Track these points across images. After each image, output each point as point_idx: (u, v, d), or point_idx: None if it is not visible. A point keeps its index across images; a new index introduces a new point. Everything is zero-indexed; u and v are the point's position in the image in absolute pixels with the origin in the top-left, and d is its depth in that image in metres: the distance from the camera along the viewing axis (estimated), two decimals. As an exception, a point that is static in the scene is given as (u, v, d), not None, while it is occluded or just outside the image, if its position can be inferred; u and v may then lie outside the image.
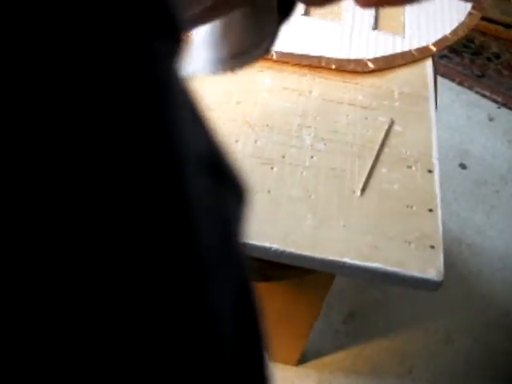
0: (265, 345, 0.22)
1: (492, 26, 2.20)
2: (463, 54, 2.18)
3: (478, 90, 2.08)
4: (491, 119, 2.01)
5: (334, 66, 0.93)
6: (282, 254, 0.70)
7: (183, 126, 0.18)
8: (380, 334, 1.45)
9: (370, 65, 0.94)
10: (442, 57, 2.13)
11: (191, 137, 0.19)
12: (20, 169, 0.13)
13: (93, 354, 0.15)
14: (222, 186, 0.21)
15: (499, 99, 2.06)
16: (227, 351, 0.19)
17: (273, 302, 1.06)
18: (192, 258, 0.17)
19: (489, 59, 2.17)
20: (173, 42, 0.18)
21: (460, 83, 2.09)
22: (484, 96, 2.07)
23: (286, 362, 1.35)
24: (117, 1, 0.15)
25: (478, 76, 2.12)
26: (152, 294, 0.16)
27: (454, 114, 2.00)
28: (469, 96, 2.07)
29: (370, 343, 1.44)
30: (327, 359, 1.40)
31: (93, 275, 0.14)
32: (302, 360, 1.37)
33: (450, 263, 1.57)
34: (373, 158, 0.81)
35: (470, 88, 2.08)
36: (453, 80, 2.09)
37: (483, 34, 2.21)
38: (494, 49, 2.20)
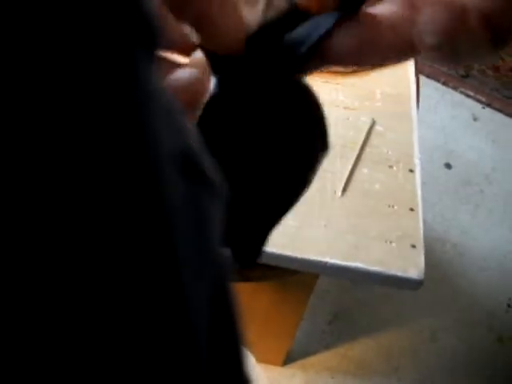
0: (243, 344, 0.22)
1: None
2: (448, 54, 2.19)
3: (463, 90, 2.09)
4: (476, 119, 2.03)
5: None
6: (264, 254, 0.70)
7: (159, 126, 0.18)
8: (365, 334, 1.46)
9: (352, 65, 0.94)
10: (427, 57, 2.14)
11: (167, 136, 0.19)
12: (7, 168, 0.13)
13: (73, 354, 0.15)
14: (199, 185, 0.21)
15: (483, 99, 2.08)
16: (203, 350, 0.19)
17: (258, 303, 1.06)
18: (168, 258, 0.17)
19: (473, 60, 2.18)
20: (150, 47, 0.18)
21: (445, 83, 2.10)
22: (468, 96, 2.08)
23: (271, 363, 1.35)
24: (96, 10, 0.15)
25: (463, 76, 2.13)
26: (128, 294, 0.16)
27: (438, 114, 2.01)
28: (453, 96, 2.08)
29: (356, 343, 1.44)
30: (313, 359, 1.40)
31: (71, 276, 0.15)
32: (288, 360, 1.37)
33: (435, 263, 1.58)
34: (354, 158, 0.82)
35: (455, 88, 2.10)
36: (438, 80, 2.10)
37: (467, 34, 2.22)
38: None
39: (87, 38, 0.15)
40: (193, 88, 0.26)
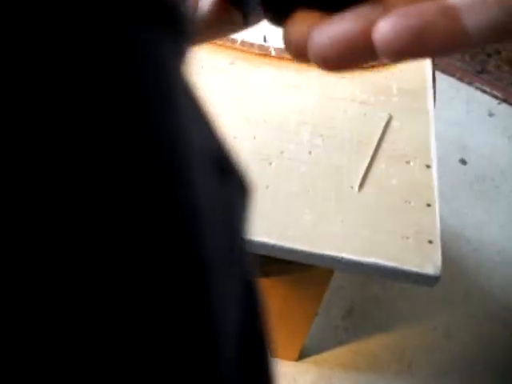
0: (270, 344, 0.22)
1: (492, 22, 2.19)
2: (463, 49, 2.17)
3: (478, 85, 2.08)
4: (491, 115, 2.01)
5: (332, 62, 0.93)
6: (280, 249, 0.70)
7: (189, 123, 0.18)
8: (379, 330, 1.45)
9: (369, 60, 0.94)
10: (442, 52, 2.13)
11: (198, 135, 0.18)
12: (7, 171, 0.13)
13: (92, 354, 0.15)
14: (228, 183, 0.21)
15: (499, 95, 2.06)
16: (232, 351, 0.19)
17: (272, 298, 1.06)
18: (197, 257, 0.17)
19: (489, 55, 2.16)
20: (176, 38, 0.18)
21: (460, 79, 2.09)
22: (484, 91, 2.07)
23: (286, 358, 1.36)
24: None
25: (478, 71, 2.11)
26: (157, 295, 0.16)
27: (454, 109, 2.00)
28: (469, 91, 2.06)
29: (370, 339, 1.44)
30: (327, 355, 1.40)
31: (96, 276, 0.14)
32: (302, 356, 1.37)
33: (450, 258, 1.57)
34: (371, 154, 0.81)
35: (470, 83, 2.08)
36: (453, 75, 2.08)
37: (483, 29, 2.20)
38: (494, 44, 2.20)
39: (102, 25, 0.15)
40: None
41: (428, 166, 0.82)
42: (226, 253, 0.19)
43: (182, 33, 0.18)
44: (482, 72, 2.12)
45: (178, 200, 0.16)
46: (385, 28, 0.23)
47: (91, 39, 0.14)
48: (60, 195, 0.14)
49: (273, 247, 0.70)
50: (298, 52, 0.26)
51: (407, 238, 0.74)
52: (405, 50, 0.23)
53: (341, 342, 1.42)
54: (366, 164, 0.80)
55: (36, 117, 0.13)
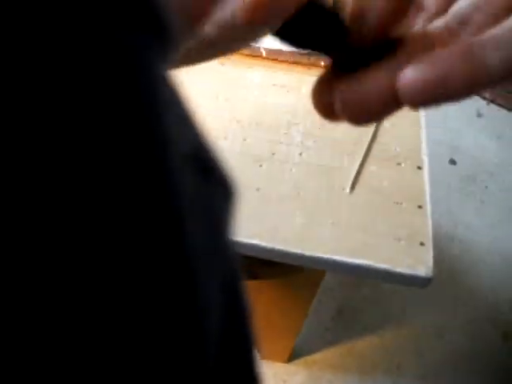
0: (254, 343, 0.22)
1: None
2: (452, 50, 2.18)
3: (467, 86, 2.08)
4: (480, 115, 2.02)
5: (322, 63, 0.92)
6: (272, 251, 0.70)
7: (169, 123, 0.18)
8: (369, 331, 1.45)
9: (360, 61, 0.94)
10: (432, 53, 2.14)
11: (178, 134, 0.18)
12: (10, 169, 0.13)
13: (80, 353, 0.14)
14: (210, 183, 0.21)
15: (487, 95, 2.07)
16: (215, 349, 0.19)
17: (263, 300, 1.06)
18: (180, 257, 0.17)
19: (478, 55, 2.17)
20: (159, 39, 0.18)
21: (449, 79, 2.09)
22: (473, 92, 2.08)
23: (275, 359, 1.35)
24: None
25: (467, 72, 2.12)
26: (139, 293, 0.16)
27: (443, 110, 2.00)
28: (458, 92, 2.07)
29: (359, 340, 1.44)
30: (316, 356, 1.40)
31: (79, 276, 0.14)
32: (292, 357, 1.37)
33: (440, 259, 1.58)
34: (362, 155, 0.81)
35: (459, 84, 2.09)
36: (442, 76, 2.09)
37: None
38: None
39: (91, 28, 0.15)
40: None
41: (419, 168, 0.82)
42: (208, 254, 0.19)
43: (167, 38, 0.18)
44: (471, 73, 2.12)
45: (160, 200, 0.16)
46: (409, 76, 0.23)
47: (79, 41, 0.15)
48: (48, 196, 0.14)
49: (264, 249, 0.70)
50: (326, 111, 0.27)
51: (399, 239, 0.73)
52: (430, 97, 0.23)
53: (330, 343, 1.42)
54: (357, 165, 0.80)
55: (25, 119, 0.14)
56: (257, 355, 0.22)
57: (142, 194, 0.16)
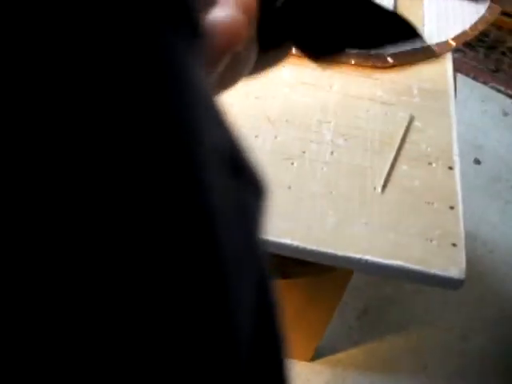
0: (284, 344, 0.21)
1: (508, 20, 2.18)
2: (478, 48, 2.16)
3: (493, 84, 2.06)
4: (506, 114, 2.00)
5: (353, 61, 0.92)
6: (304, 250, 0.70)
7: (203, 123, 0.18)
8: (394, 331, 1.45)
9: (390, 60, 0.93)
10: (457, 51, 2.12)
11: (212, 134, 0.18)
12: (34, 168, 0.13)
13: (109, 353, 0.14)
14: (243, 183, 0.20)
15: (514, 94, 2.05)
16: (247, 350, 0.19)
17: (290, 299, 1.06)
18: (214, 257, 0.17)
19: (503, 53, 2.15)
20: (190, 35, 0.18)
21: (474, 78, 2.07)
22: (498, 91, 2.05)
23: (300, 359, 1.35)
24: None
25: (493, 70, 2.10)
26: (175, 293, 0.16)
27: (468, 108, 1.98)
28: (483, 91, 2.05)
29: (384, 340, 1.43)
30: (341, 355, 1.39)
31: (118, 275, 0.14)
32: (316, 356, 1.37)
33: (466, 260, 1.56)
34: (393, 154, 0.80)
35: (485, 83, 2.07)
36: (467, 75, 2.07)
37: (499, 28, 2.19)
38: (509, 43, 2.18)
39: (116, 21, 0.15)
40: (229, 30, 0.25)
41: (450, 168, 0.81)
42: (240, 253, 0.19)
43: (199, 34, 0.18)
44: (496, 71, 2.10)
45: (194, 200, 0.16)
46: None
47: (120, 36, 0.15)
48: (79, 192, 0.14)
49: (296, 248, 0.69)
50: None
51: (431, 240, 0.73)
52: None
53: (355, 343, 1.42)
54: (388, 165, 0.79)
55: (63, 112, 0.14)
56: (286, 356, 0.22)
57: (177, 195, 0.16)
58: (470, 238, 1.64)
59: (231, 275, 0.18)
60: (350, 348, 1.41)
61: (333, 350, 1.39)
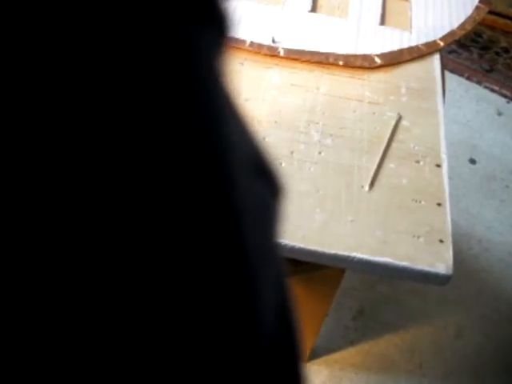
0: (300, 339, 0.22)
1: (501, 20, 2.19)
2: (472, 48, 2.17)
3: (487, 84, 2.07)
4: (500, 114, 2.00)
5: (341, 62, 0.93)
6: (292, 249, 0.70)
7: (231, 126, 0.18)
8: (390, 330, 1.45)
9: (378, 60, 0.94)
10: (451, 52, 2.13)
11: (239, 137, 0.19)
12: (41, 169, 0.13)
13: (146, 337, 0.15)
14: (264, 185, 0.21)
15: (508, 94, 2.05)
16: (270, 344, 0.19)
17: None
18: (239, 254, 0.17)
19: (497, 54, 2.16)
20: (216, 33, 0.18)
21: (469, 78, 2.08)
22: (493, 91, 2.06)
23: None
24: None
25: (487, 71, 2.11)
26: (203, 292, 0.16)
27: (462, 108, 1.99)
28: (477, 91, 2.06)
29: (380, 339, 1.44)
30: (337, 355, 1.40)
31: (150, 274, 0.15)
32: (312, 356, 1.37)
33: (460, 259, 1.57)
34: (381, 153, 0.81)
35: (479, 83, 2.07)
36: (461, 75, 2.08)
37: (492, 28, 2.20)
38: (503, 43, 2.19)
39: (138, 17, 0.14)
40: None
41: (438, 166, 0.82)
42: (261, 251, 0.19)
43: (224, 31, 0.18)
44: (490, 71, 2.11)
45: (224, 199, 0.17)
46: None
47: (150, 35, 0.15)
48: (113, 190, 0.14)
49: (284, 247, 0.70)
50: None
51: (418, 237, 0.73)
52: None
53: (351, 343, 1.42)
54: (376, 164, 0.80)
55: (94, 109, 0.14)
56: (302, 349, 0.22)
57: (209, 194, 0.16)
58: (465, 236, 1.64)
59: (255, 271, 0.18)
60: (346, 348, 1.41)
61: (329, 350, 1.40)
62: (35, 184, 0.13)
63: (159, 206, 0.15)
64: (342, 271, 0.96)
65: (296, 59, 0.92)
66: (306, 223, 0.72)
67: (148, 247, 0.15)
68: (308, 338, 1.25)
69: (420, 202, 0.77)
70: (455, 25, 1.04)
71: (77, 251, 0.14)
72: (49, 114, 0.13)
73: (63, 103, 0.13)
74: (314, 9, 1.03)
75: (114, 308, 0.14)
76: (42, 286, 0.13)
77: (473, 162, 1.84)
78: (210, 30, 0.17)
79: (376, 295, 1.49)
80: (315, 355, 1.38)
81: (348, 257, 0.70)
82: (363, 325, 1.45)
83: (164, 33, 0.15)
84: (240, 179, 0.18)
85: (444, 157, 0.83)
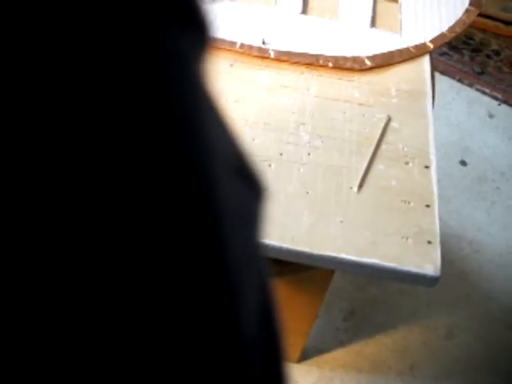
0: (283, 342, 0.22)
1: (492, 23, 2.20)
2: (463, 51, 2.18)
3: (478, 87, 2.08)
4: (491, 116, 2.01)
5: (331, 64, 0.93)
6: (280, 250, 0.71)
7: (211, 127, 0.18)
8: (380, 331, 1.45)
9: (368, 62, 0.94)
10: (442, 54, 2.13)
11: (219, 139, 0.19)
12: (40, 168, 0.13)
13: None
14: (246, 187, 0.21)
15: (499, 96, 2.06)
16: (252, 347, 0.19)
17: (273, 299, 1.06)
18: (220, 257, 0.17)
19: (488, 56, 2.17)
20: (195, 36, 0.18)
21: (460, 80, 2.09)
22: (484, 93, 2.07)
23: (286, 359, 1.35)
24: None
25: (478, 73, 2.12)
26: (182, 296, 0.16)
27: (454, 111, 2.00)
28: (469, 93, 2.07)
29: (371, 340, 1.44)
30: (328, 356, 1.40)
31: (133, 272, 0.15)
32: (303, 357, 1.37)
33: (451, 260, 1.57)
34: (370, 155, 0.82)
35: (470, 85, 2.08)
36: (453, 77, 2.08)
37: (483, 30, 2.21)
38: (494, 46, 2.20)
39: (117, 21, 0.15)
40: None
41: (427, 167, 0.82)
42: (243, 254, 0.19)
43: (203, 35, 0.18)
44: (482, 73, 2.12)
45: (204, 202, 0.17)
46: None
47: (123, 38, 0.15)
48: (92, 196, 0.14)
49: (273, 248, 0.70)
50: None
51: (407, 238, 0.74)
52: None
53: (342, 344, 1.42)
54: (365, 165, 0.80)
55: (64, 112, 0.14)
56: (284, 352, 0.22)
57: (187, 197, 0.16)
58: (456, 238, 1.65)
59: (235, 274, 0.18)
60: (336, 349, 1.41)
61: (320, 351, 1.40)
62: (33, 184, 0.13)
63: (132, 208, 0.15)
64: (332, 272, 0.96)
65: (286, 61, 0.92)
66: (295, 224, 0.73)
67: (124, 252, 0.15)
68: (298, 339, 1.25)
69: (409, 203, 0.77)
70: (445, 27, 1.04)
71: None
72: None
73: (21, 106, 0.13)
74: (304, 11, 1.03)
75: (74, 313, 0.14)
76: (41, 286, 0.14)
77: (464, 163, 1.85)
78: (188, 33, 0.17)
79: (367, 296, 1.50)
80: (306, 356, 1.38)
81: (336, 258, 0.70)
82: (354, 326, 1.45)
83: (140, 35, 0.15)
84: (220, 180, 0.18)
85: (433, 158, 0.83)
